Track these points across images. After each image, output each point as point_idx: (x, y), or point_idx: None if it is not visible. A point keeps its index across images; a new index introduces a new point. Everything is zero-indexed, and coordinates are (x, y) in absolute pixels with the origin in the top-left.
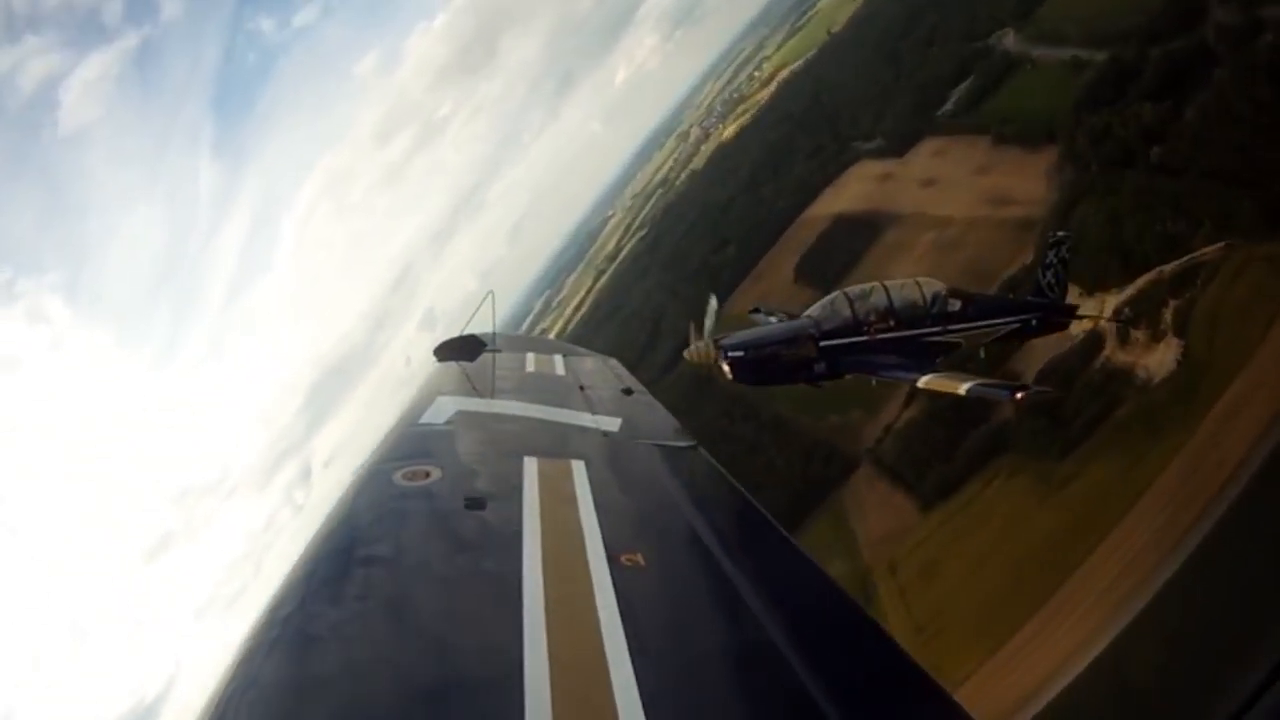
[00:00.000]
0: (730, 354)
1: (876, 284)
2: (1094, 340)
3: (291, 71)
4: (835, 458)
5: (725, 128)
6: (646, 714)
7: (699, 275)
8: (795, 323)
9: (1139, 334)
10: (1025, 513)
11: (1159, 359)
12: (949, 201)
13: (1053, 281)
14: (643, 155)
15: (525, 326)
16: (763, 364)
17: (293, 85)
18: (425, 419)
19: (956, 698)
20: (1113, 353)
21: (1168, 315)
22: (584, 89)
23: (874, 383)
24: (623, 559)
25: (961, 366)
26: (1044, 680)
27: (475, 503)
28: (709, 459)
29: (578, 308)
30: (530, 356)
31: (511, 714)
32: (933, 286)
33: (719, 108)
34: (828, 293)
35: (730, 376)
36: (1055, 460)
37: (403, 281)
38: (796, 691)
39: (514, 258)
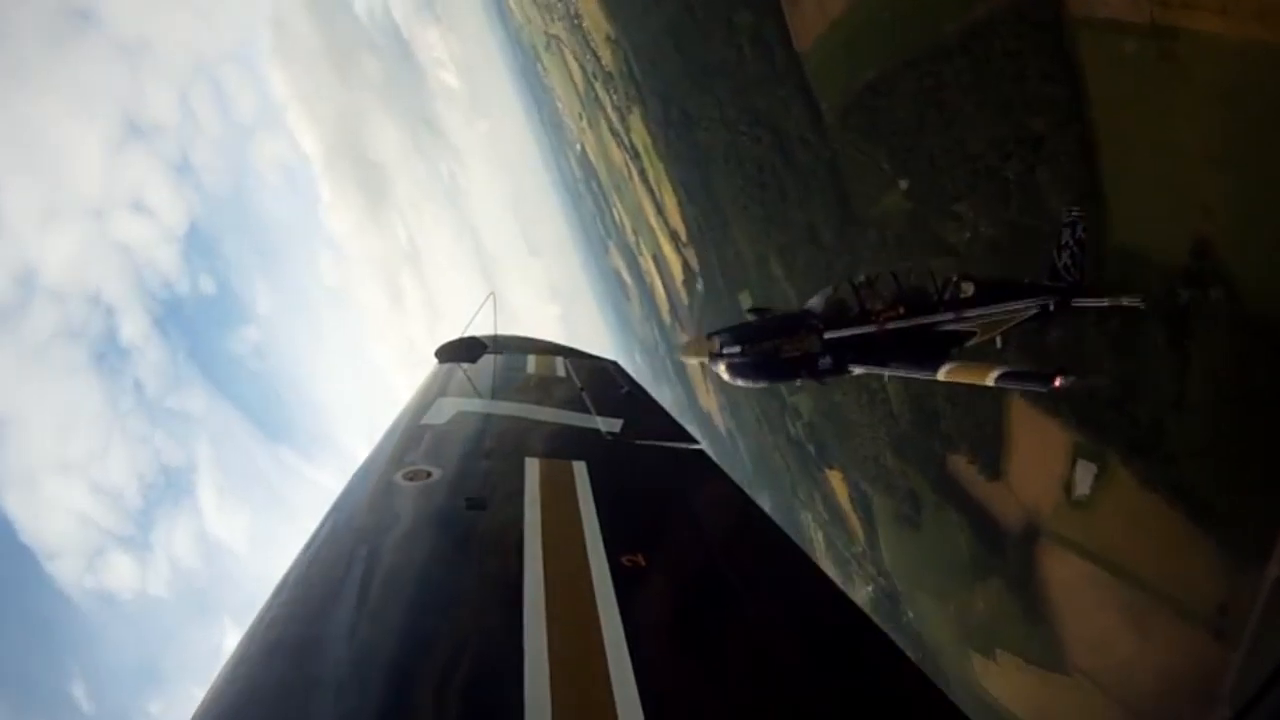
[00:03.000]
0: (725, 351)
1: (883, 270)
2: None
3: (288, 348)
4: None
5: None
6: (645, 715)
7: (741, 62)
8: (796, 314)
9: None
10: None
11: None
12: None
13: (1069, 263)
14: (538, 94)
15: (629, 276)
16: (762, 362)
17: (295, 354)
18: (426, 419)
19: None
20: None
21: None
22: (445, 115)
23: (886, 379)
24: (623, 560)
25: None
26: None
27: (476, 503)
28: (711, 459)
29: (659, 210)
30: (531, 358)
31: (511, 714)
32: (944, 271)
33: None
34: None
35: (726, 378)
36: None
37: None
38: (796, 694)
39: (550, 260)
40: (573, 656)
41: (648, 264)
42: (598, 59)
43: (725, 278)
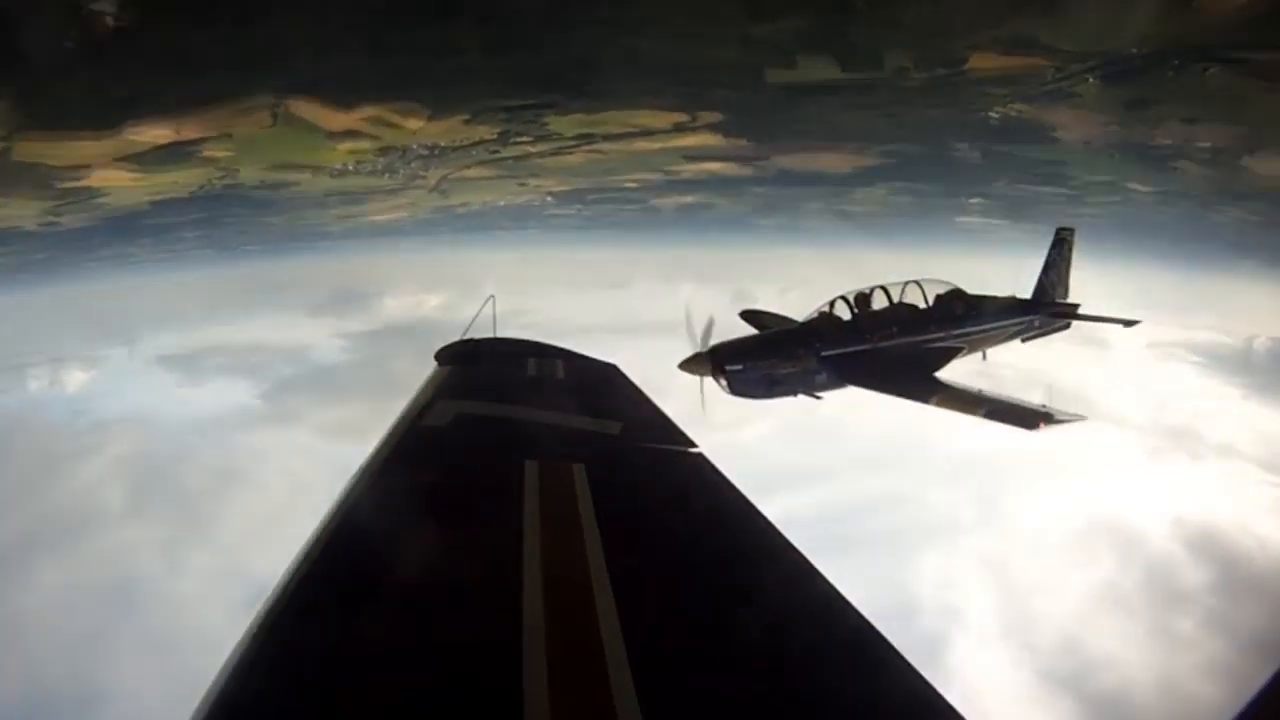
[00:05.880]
0: (728, 368)
1: (878, 286)
2: None
3: None
4: None
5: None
6: (645, 718)
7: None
8: (795, 331)
9: None
10: None
11: None
12: None
13: (1055, 280)
14: (480, 222)
15: (690, 197)
16: (763, 379)
17: None
18: (426, 422)
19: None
20: None
21: None
22: (466, 309)
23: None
24: (623, 562)
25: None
26: None
27: (475, 505)
28: (710, 463)
29: (649, 133)
30: (531, 361)
31: (510, 717)
32: (935, 288)
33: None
34: None
35: (728, 392)
36: None
37: None
38: (795, 700)
39: (637, 280)
40: (572, 659)
41: (692, 167)
42: (482, 142)
43: (745, 88)
